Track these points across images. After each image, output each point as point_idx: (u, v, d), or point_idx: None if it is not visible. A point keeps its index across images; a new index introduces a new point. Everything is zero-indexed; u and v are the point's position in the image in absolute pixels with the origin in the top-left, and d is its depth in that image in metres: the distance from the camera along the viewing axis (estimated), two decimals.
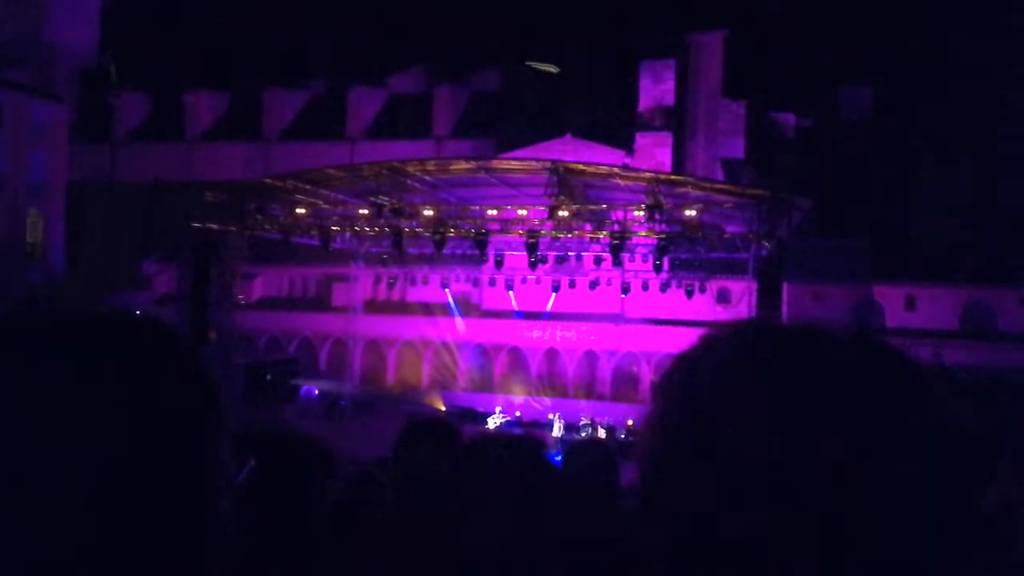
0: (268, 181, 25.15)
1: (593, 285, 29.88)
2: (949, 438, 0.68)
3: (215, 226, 24.06)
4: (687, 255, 25.75)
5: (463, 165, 23.44)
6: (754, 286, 20.99)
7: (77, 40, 60.74)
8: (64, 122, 47.74)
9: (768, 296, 19.97)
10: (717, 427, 0.69)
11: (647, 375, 36.14)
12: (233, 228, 24.25)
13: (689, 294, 27.99)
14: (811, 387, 0.68)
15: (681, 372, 0.76)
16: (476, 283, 34.19)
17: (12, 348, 0.76)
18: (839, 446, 0.65)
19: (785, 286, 23.28)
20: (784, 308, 24.15)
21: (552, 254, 26.11)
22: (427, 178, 23.26)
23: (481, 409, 32.46)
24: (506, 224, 23.01)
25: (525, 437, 1.93)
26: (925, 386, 0.71)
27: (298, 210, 23.79)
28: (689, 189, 21.84)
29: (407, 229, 23.21)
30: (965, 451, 0.68)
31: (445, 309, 37.91)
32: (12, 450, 0.71)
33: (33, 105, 45.61)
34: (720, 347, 0.75)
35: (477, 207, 23.31)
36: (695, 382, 0.73)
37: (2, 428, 0.72)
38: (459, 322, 37.68)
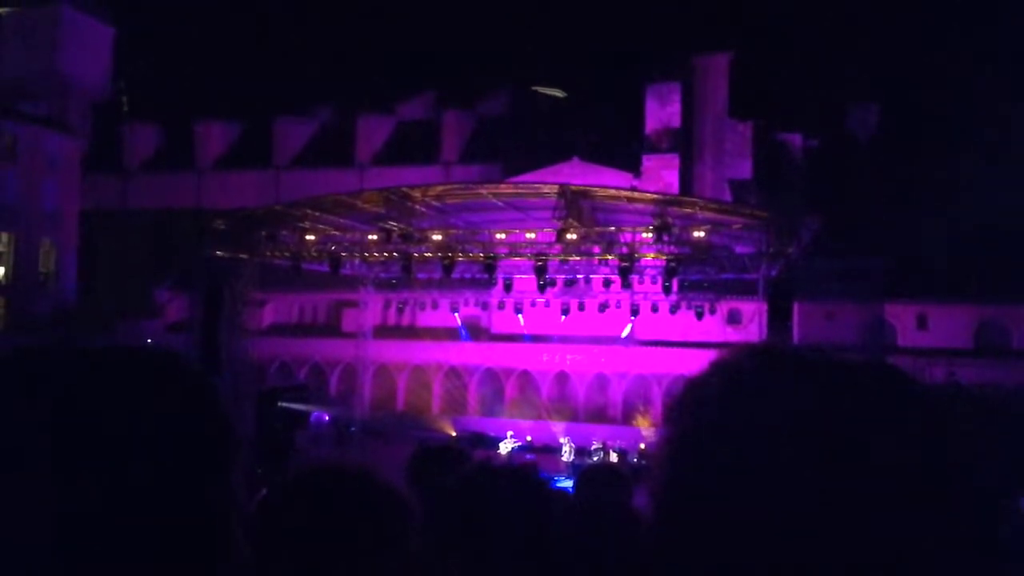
0: (278, 208, 25.34)
1: (602, 308, 29.83)
2: (964, 466, 0.68)
3: (226, 254, 24.22)
4: (696, 276, 25.72)
5: (470, 190, 23.57)
6: (764, 307, 20.89)
7: (90, 73, 61.69)
8: (77, 153, 48.39)
9: (779, 317, 19.86)
10: (726, 453, 0.69)
11: (658, 397, 35.93)
12: (243, 255, 24.40)
13: (699, 315, 27.90)
14: (819, 414, 0.68)
15: (690, 398, 0.76)
16: (485, 307, 34.19)
17: (28, 382, 0.77)
18: (847, 473, 0.65)
19: (796, 306, 23.19)
20: (795, 328, 24.03)
21: (561, 277, 26.13)
22: (435, 203, 23.39)
23: (492, 434, 32.31)
24: (514, 247, 23.07)
25: (523, 468, 1.92)
26: (938, 413, 0.70)
27: (307, 236, 23.93)
28: (697, 210, 21.85)
29: (416, 254, 23.30)
30: (979, 479, 0.68)
31: (454, 333, 37.90)
32: (30, 477, 0.72)
33: (46, 137, 46.27)
34: (728, 373, 0.75)
35: (485, 231, 23.39)
36: (704, 408, 0.74)
37: (21, 458, 0.72)
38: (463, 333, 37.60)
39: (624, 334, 34.02)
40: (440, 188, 24.13)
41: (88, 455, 0.73)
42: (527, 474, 1.88)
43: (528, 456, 28.35)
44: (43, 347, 0.81)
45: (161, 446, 0.76)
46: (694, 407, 0.75)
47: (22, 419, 0.74)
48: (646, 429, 31.57)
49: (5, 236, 43.66)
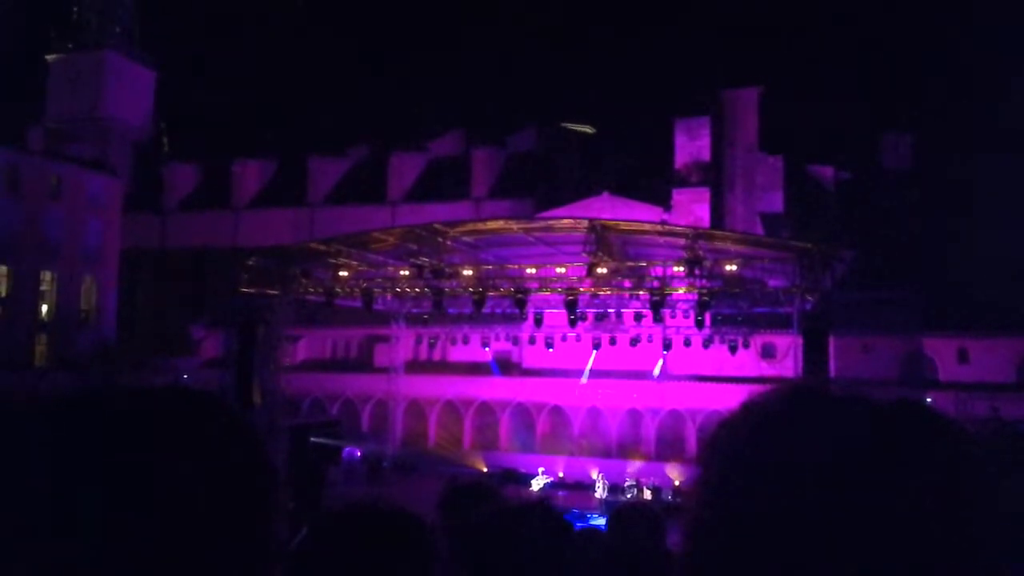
0: (311, 245, 25.70)
1: (634, 342, 29.61)
2: (997, 514, 0.68)
3: (261, 290, 24.55)
4: (729, 310, 25.43)
5: (501, 226, 23.71)
6: (799, 340, 20.56)
7: (132, 115, 63.74)
8: (118, 193, 49.71)
9: (814, 350, 19.53)
10: (755, 496, 0.69)
11: (692, 433, 35.38)
12: (278, 292, 24.72)
13: (733, 350, 27.52)
14: (849, 455, 0.68)
15: (720, 439, 0.76)
16: (516, 341, 34.13)
17: (69, 426, 0.78)
18: (877, 514, 0.65)
19: (832, 339, 22.79)
20: (831, 362, 23.59)
21: (592, 311, 26.03)
22: (466, 239, 23.56)
23: (523, 470, 32.03)
24: (545, 282, 23.08)
25: (541, 504, 1.90)
26: (971, 453, 0.70)
27: (341, 273, 24.20)
28: (728, 244, 21.71)
29: (447, 289, 23.41)
30: (1012, 527, 0.68)
31: (486, 368, 37.85)
32: (75, 516, 0.73)
33: (89, 177, 47.64)
34: (758, 414, 0.75)
35: (516, 266, 23.47)
36: (734, 450, 0.74)
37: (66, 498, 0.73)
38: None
39: (656, 372, 33.66)
40: (470, 224, 24.30)
41: (135, 497, 0.73)
42: (545, 511, 1.87)
43: (560, 493, 28.03)
44: (82, 391, 0.82)
45: (206, 489, 0.77)
46: (724, 449, 0.75)
47: (58, 463, 0.74)
48: (679, 466, 31.06)
49: (48, 274, 44.80)
